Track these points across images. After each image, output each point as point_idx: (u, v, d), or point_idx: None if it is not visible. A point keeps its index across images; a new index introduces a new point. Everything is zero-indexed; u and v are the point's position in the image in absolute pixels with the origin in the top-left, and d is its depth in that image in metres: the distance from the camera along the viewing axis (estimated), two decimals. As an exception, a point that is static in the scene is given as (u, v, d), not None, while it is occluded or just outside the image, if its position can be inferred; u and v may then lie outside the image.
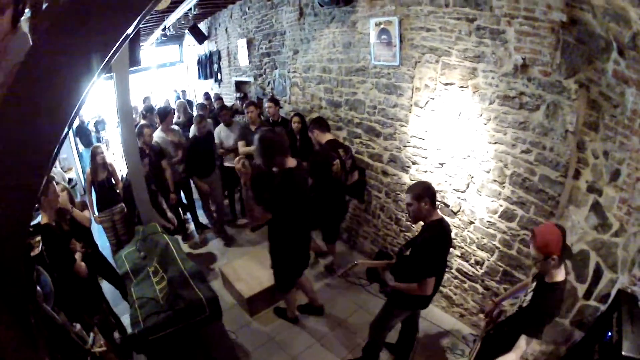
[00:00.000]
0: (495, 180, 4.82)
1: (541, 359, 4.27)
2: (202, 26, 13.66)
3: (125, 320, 5.27)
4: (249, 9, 10.57)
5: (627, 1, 2.74)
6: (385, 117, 6.35)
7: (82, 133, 13.02)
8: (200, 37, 12.62)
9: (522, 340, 3.28)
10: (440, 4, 4.96)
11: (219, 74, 13.88)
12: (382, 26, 5.84)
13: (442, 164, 5.50)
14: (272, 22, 9.36)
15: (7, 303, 1.96)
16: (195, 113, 10.19)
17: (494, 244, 5.01)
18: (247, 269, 6.68)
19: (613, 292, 3.49)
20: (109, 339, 4.30)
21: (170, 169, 7.61)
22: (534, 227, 3.44)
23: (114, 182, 7.06)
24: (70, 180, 9.59)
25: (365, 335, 4.91)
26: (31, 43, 1.73)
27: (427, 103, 5.53)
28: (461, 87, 4.97)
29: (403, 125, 6.03)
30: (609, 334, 3.14)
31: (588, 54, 3.57)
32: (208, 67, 14.56)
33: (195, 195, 8.58)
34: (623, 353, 2.82)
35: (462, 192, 5.29)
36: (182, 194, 8.56)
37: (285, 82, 9.24)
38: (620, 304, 3.21)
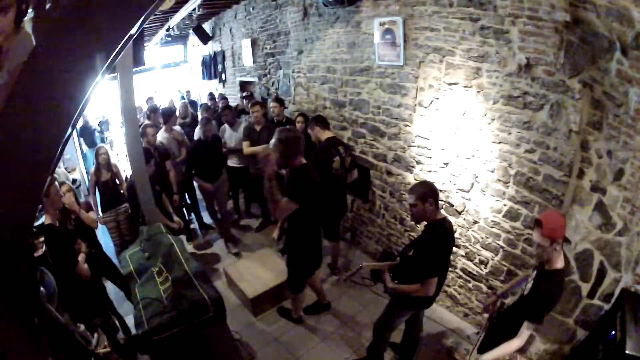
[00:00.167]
0: (499, 180, 4.82)
1: (545, 358, 4.27)
2: (207, 26, 13.65)
3: (130, 320, 5.27)
4: (253, 9, 10.56)
5: (630, 0, 2.73)
6: (389, 117, 6.34)
7: (86, 133, 13.02)
8: (205, 38, 12.60)
9: (525, 327, 3.39)
10: (444, 4, 4.95)
11: (223, 74, 13.86)
12: (386, 26, 5.83)
13: (446, 164, 5.50)
14: (276, 22, 9.36)
15: (11, 303, 1.96)
16: (199, 114, 10.20)
17: (498, 244, 5.00)
18: (251, 269, 6.69)
19: (617, 291, 3.50)
20: (112, 340, 4.30)
21: (174, 170, 7.59)
22: (538, 216, 3.47)
23: (118, 182, 7.08)
24: (74, 180, 9.59)
25: (370, 336, 4.92)
26: (34, 43, 1.73)
27: (431, 103, 5.52)
28: (465, 86, 4.97)
29: (407, 125, 6.02)
30: (613, 332, 3.14)
31: (592, 54, 3.56)
32: (212, 67, 14.54)
33: (199, 195, 8.59)
34: (627, 352, 2.82)
35: (466, 191, 5.28)
36: (186, 195, 8.55)
37: (289, 82, 9.23)
38: (624, 303, 3.22)
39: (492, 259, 5.14)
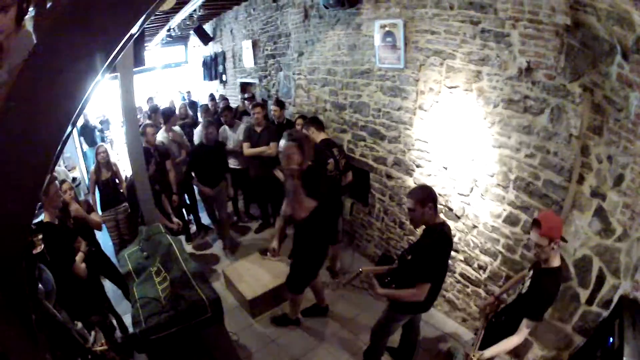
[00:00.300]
0: (499, 185, 4.81)
1: (543, 365, 4.26)
2: (207, 27, 13.67)
3: (127, 319, 5.27)
4: (254, 10, 10.58)
5: (631, 4, 2.73)
6: (389, 120, 6.34)
7: (87, 132, 13.03)
8: (206, 38, 12.63)
9: (525, 324, 3.46)
10: (445, 7, 4.96)
11: (224, 75, 13.88)
12: (386, 28, 5.84)
13: (446, 168, 5.49)
14: (277, 23, 9.37)
15: (8, 299, 1.96)
16: (199, 115, 10.20)
17: (497, 249, 4.99)
18: (250, 270, 6.69)
19: (615, 298, 3.49)
20: (110, 338, 4.30)
21: (174, 170, 7.58)
22: (536, 217, 3.51)
23: (118, 181, 7.09)
24: (74, 179, 9.59)
25: (367, 339, 4.91)
26: (35, 41, 1.73)
27: (431, 106, 5.52)
28: (465, 90, 4.97)
29: (407, 129, 6.02)
30: (611, 339, 3.14)
31: (592, 58, 3.56)
32: (213, 68, 14.55)
33: (199, 196, 8.55)
34: (624, 358, 2.81)
35: (466, 196, 5.28)
36: (185, 195, 8.54)
37: (290, 84, 9.24)
38: (622, 309, 3.22)
39: (491, 264, 5.13)
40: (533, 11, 3.98)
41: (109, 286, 5.85)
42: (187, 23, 11.15)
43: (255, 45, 10.84)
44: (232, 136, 8.28)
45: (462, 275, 5.60)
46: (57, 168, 7.38)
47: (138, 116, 7.70)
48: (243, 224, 9.38)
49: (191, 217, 9.07)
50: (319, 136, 6.45)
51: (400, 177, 6.37)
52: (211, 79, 14.95)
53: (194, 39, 14.99)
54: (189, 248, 8.03)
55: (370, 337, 4.81)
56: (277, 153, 7.30)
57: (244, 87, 12.65)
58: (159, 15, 10.09)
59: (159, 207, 6.33)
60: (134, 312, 4.04)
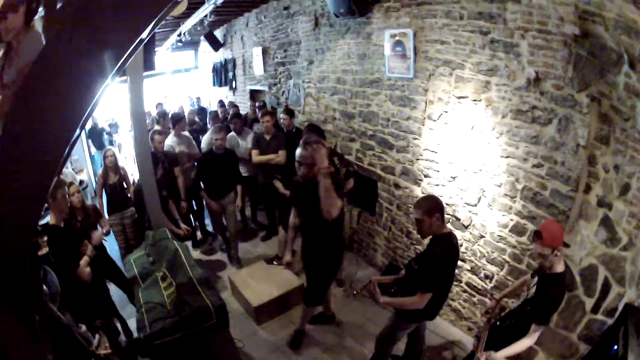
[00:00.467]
0: (506, 195, 4.80)
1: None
2: (218, 33, 13.70)
3: (132, 324, 5.27)
4: (264, 17, 10.61)
5: (638, 13, 2.74)
6: (398, 130, 6.34)
7: (95, 135, 13.04)
8: (216, 44, 12.64)
9: (533, 329, 3.51)
10: (454, 17, 4.97)
11: (233, 82, 13.89)
12: (396, 38, 5.85)
13: (454, 178, 5.48)
14: (287, 31, 9.39)
15: (12, 300, 1.97)
16: (208, 122, 10.20)
17: (504, 258, 4.97)
18: (255, 277, 6.68)
19: (620, 306, 3.49)
20: (114, 342, 4.30)
21: (183, 176, 7.54)
22: (538, 228, 3.52)
23: (125, 185, 7.09)
24: (81, 182, 9.61)
25: (373, 348, 4.89)
26: (44, 42, 1.74)
27: (440, 116, 5.52)
28: (474, 100, 4.97)
29: (416, 138, 6.02)
30: (615, 347, 3.14)
31: (600, 67, 3.56)
32: (223, 74, 14.56)
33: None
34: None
35: (473, 205, 5.26)
36: (193, 201, 8.52)
37: (299, 92, 9.25)
38: (627, 317, 3.22)
39: (498, 274, 5.11)
40: (542, 21, 3.99)
41: (114, 290, 5.85)
42: (198, 28, 11.17)
43: (265, 52, 10.86)
44: (241, 144, 8.25)
45: (468, 284, 5.58)
46: (64, 170, 7.41)
47: (147, 121, 7.70)
48: (250, 231, 9.37)
49: (197, 223, 9.05)
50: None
51: (408, 187, 6.36)
52: (221, 85, 14.97)
53: (204, 45, 15.02)
54: (195, 254, 8.00)
55: (375, 346, 4.79)
56: (286, 161, 7.33)
57: (254, 94, 12.68)
58: (169, 19, 10.14)
59: (166, 213, 6.33)
60: (139, 317, 4.03)
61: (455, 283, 5.48)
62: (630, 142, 3.35)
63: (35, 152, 1.77)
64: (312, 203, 4.57)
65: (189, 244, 7.33)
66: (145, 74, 5.38)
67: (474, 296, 5.52)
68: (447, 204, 4.94)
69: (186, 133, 8.55)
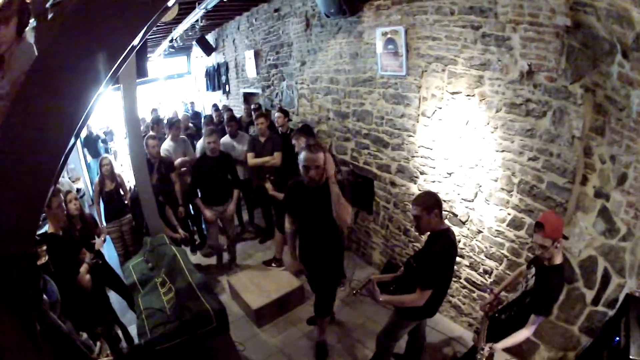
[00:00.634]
0: (503, 189, 4.81)
1: (550, 366, 4.26)
2: (210, 38, 13.73)
3: (133, 330, 5.26)
4: (255, 20, 10.62)
5: (630, 2, 2.74)
6: (392, 128, 6.35)
7: (90, 143, 13.05)
8: (208, 49, 12.67)
9: (532, 320, 3.51)
10: (445, 12, 4.97)
11: (227, 86, 13.92)
12: (388, 36, 5.85)
13: (450, 174, 5.49)
14: (279, 33, 9.41)
15: (12, 310, 1.96)
16: (203, 127, 10.19)
17: (503, 253, 4.98)
18: (254, 280, 6.68)
19: (621, 297, 3.50)
20: (115, 349, 4.30)
21: (180, 182, 7.54)
22: (539, 219, 3.54)
23: (122, 193, 7.08)
24: (78, 190, 9.60)
25: (373, 347, 4.89)
26: (36, 53, 1.74)
27: (434, 112, 5.53)
28: (468, 95, 4.97)
29: (411, 136, 6.02)
30: (617, 339, 3.14)
31: (593, 58, 3.57)
32: (216, 78, 14.60)
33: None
34: (631, 357, 2.81)
35: (470, 201, 5.27)
36: (190, 205, 8.49)
37: (293, 93, 9.26)
38: (629, 308, 3.23)
39: (496, 269, 5.11)
40: (533, 13, 3.99)
41: (114, 297, 5.83)
42: (190, 34, 11.20)
43: (257, 55, 10.88)
44: (236, 147, 8.23)
45: (467, 280, 5.58)
46: (61, 179, 7.40)
47: (141, 127, 7.69)
48: (247, 234, 9.38)
49: (195, 227, 9.04)
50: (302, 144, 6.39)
51: (405, 184, 6.36)
52: (214, 90, 15.01)
53: (196, 50, 15.06)
54: (193, 259, 7.99)
55: (376, 344, 4.78)
56: (281, 163, 7.29)
57: (247, 97, 12.67)
58: (161, 26, 10.14)
59: (163, 218, 6.32)
60: (139, 323, 4.03)
61: (454, 279, 5.48)
62: (625, 131, 3.36)
63: (31, 162, 1.77)
64: (312, 208, 4.52)
65: (187, 248, 7.32)
66: (138, 80, 5.36)
67: (474, 292, 5.53)
68: (443, 200, 4.94)
69: (183, 137, 8.53)
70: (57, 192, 4.79)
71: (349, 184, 5.04)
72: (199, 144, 8.38)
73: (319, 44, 7.76)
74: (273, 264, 7.04)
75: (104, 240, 5.93)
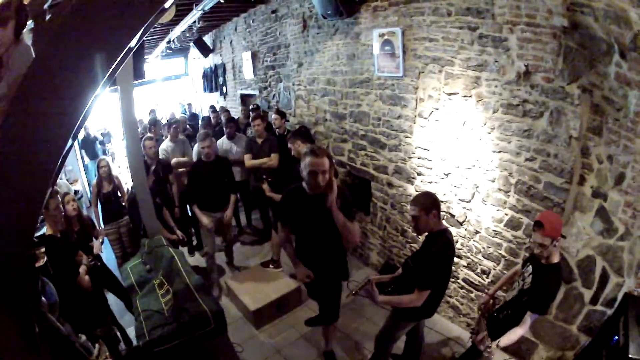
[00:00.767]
0: (500, 189, 4.81)
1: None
2: (207, 39, 13.71)
3: (131, 332, 5.26)
4: (253, 21, 10.62)
5: (627, 2, 2.75)
6: (389, 129, 6.36)
7: (88, 145, 13.02)
8: (205, 50, 12.67)
9: (528, 317, 3.52)
10: (442, 14, 4.98)
11: (224, 87, 13.91)
12: (385, 37, 5.86)
13: (447, 174, 5.50)
14: (276, 34, 9.42)
15: (11, 312, 1.96)
16: (201, 128, 10.17)
17: (500, 253, 4.99)
18: (252, 281, 6.69)
19: (619, 296, 3.51)
20: (114, 351, 4.29)
21: (177, 183, 7.55)
22: (538, 218, 3.54)
23: (120, 194, 7.07)
24: (76, 192, 9.59)
25: (372, 347, 4.89)
26: (34, 55, 1.75)
27: (431, 113, 5.53)
28: (465, 96, 4.98)
29: (407, 137, 6.03)
30: (616, 338, 3.15)
31: (590, 58, 3.58)
32: (213, 80, 14.59)
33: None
34: (630, 356, 2.82)
35: (467, 202, 5.28)
36: (187, 207, 8.47)
37: (290, 94, 9.26)
38: (627, 307, 3.24)
39: (494, 269, 5.12)
40: (530, 14, 4.00)
41: (112, 299, 5.83)
42: (187, 35, 11.19)
43: (254, 56, 10.88)
44: (234, 148, 8.24)
45: (465, 280, 5.59)
46: (58, 181, 7.38)
47: (139, 129, 7.68)
48: (245, 236, 9.36)
49: (192, 229, 9.02)
50: (304, 149, 6.32)
51: (402, 185, 6.37)
52: (211, 91, 14.99)
53: (193, 51, 15.05)
54: (191, 260, 7.97)
55: (374, 345, 4.79)
56: (278, 164, 7.28)
57: (244, 98, 12.67)
58: (158, 27, 10.14)
59: (160, 220, 6.31)
60: (138, 325, 4.03)
61: (452, 280, 5.50)
62: (623, 131, 3.37)
63: (29, 163, 1.77)
64: (315, 216, 4.26)
65: (184, 250, 7.31)
66: (135, 82, 5.36)
67: (472, 292, 5.53)
68: (441, 201, 4.94)
69: (182, 137, 8.53)
70: (55, 194, 4.78)
71: (347, 187, 4.97)
72: (195, 150, 8.39)
73: (316, 46, 7.77)
74: (271, 265, 7.02)
75: (102, 242, 5.94)
